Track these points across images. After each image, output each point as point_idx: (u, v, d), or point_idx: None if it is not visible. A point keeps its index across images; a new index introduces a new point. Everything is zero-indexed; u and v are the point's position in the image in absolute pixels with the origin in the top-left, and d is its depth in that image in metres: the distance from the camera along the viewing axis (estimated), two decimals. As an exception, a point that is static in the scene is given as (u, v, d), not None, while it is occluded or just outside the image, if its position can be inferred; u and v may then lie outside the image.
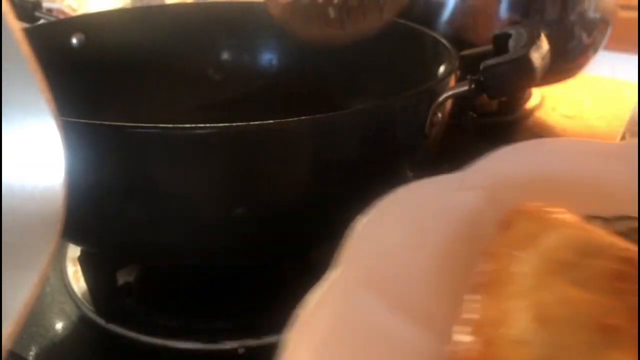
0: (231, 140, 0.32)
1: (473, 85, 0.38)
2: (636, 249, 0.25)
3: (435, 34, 0.48)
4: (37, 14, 0.58)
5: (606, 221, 0.29)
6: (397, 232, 0.30)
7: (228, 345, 0.39)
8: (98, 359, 0.39)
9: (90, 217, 0.34)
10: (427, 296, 0.27)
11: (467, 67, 0.43)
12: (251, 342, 0.39)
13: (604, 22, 0.75)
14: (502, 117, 0.79)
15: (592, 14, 0.73)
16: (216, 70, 0.61)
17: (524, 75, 0.39)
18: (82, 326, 0.41)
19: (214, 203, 0.34)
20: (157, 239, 0.36)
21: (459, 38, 0.68)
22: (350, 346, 0.24)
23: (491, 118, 0.77)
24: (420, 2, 0.70)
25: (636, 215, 0.29)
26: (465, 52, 0.46)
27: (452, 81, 0.40)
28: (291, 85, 0.60)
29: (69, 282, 0.45)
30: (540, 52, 0.40)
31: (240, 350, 0.39)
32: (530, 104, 0.83)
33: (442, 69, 0.44)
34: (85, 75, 0.53)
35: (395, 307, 0.26)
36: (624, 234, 0.27)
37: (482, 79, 0.38)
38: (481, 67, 0.38)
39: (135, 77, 0.57)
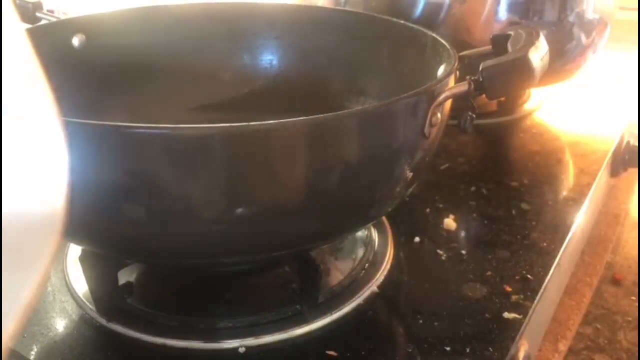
0: (231, 140, 0.32)
1: (472, 86, 0.38)
2: None
3: (434, 35, 0.48)
4: (38, 14, 0.58)
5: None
6: None
7: (228, 344, 0.39)
8: (99, 357, 0.39)
9: (90, 217, 0.34)
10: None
11: (466, 68, 0.43)
12: (251, 341, 0.40)
13: (602, 23, 0.75)
14: (501, 118, 0.79)
15: (591, 15, 0.73)
16: (216, 71, 0.61)
17: (522, 76, 0.39)
18: (83, 325, 0.41)
19: (214, 203, 0.34)
20: (157, 239, 0.36)
21: (458, 38, 0.69)
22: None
23: (490, 118, 0.77)
24: (420, 2, 0.70)
25: None
26: (465, 53, 0.46)
27: (451, 81, 0.40)
28: (291, 85, 0.60)
29: (70, 282, 0.45)
30: (539, 52, 0.40)
31: (241, 350, 0.39)
32: (530, 104, 0.84)
33: (441, 69, 0.44)
34: (86, 75, 0.53)
35: None
36: None
37: (481, 79, 0.38)
38: (480, 67, 0.38)
39: (135, 78, 0.57)
